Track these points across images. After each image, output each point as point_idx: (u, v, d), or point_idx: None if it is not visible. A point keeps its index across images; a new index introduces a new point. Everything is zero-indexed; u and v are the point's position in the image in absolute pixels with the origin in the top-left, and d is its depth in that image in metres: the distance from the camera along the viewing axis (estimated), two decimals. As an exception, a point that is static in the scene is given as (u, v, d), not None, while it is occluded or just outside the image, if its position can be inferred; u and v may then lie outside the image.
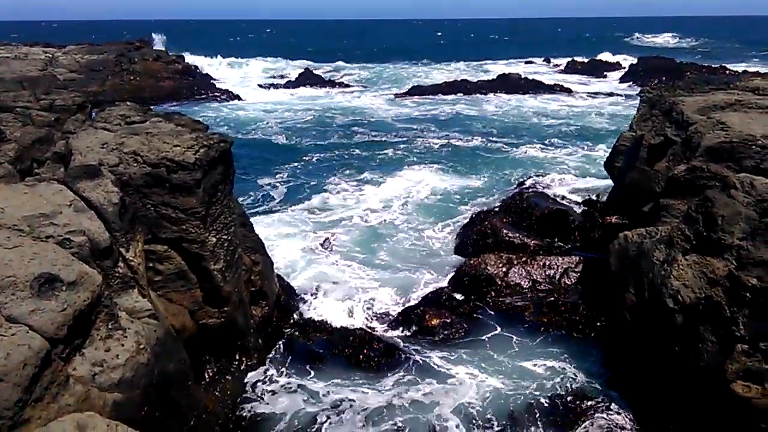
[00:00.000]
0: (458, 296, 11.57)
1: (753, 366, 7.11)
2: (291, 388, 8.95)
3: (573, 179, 18.31)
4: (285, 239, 14.09)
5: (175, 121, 9.62)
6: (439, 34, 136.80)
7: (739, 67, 42.16)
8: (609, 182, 14.79)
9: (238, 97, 38.38)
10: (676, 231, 8.56)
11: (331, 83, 46.23)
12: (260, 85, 43.07)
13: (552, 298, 11.17)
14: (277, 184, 19.04)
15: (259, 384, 9.01)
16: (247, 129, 28.16)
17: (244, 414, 8.37)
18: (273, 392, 8.84)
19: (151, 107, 11.77)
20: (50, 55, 38.44)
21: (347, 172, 20.06)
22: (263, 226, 14.04)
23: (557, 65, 56.39)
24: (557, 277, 12.01)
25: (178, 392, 7.12)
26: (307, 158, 22.25)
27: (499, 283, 11.82)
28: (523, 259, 12.46)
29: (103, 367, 6.07)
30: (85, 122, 10.31)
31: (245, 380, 9.04)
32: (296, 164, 21.43)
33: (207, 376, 8.69)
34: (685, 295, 7.93)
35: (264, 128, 28.37)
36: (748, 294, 7.23)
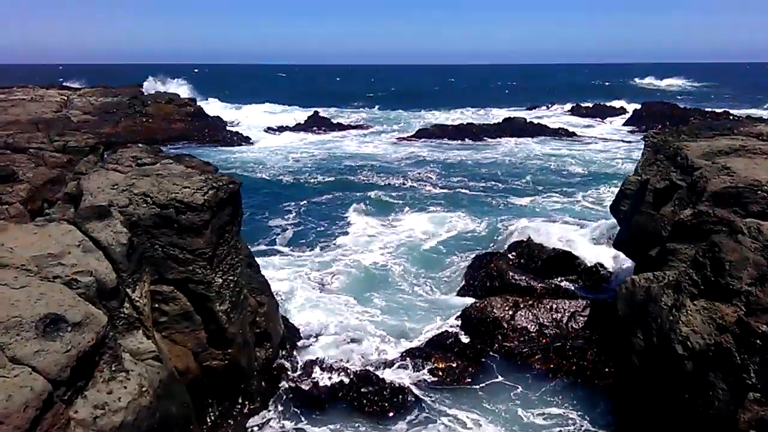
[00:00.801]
0: (464, 339, 11.46)
1: (766, 415, 6.96)
2: (293, 433, 8.82)
3: (578, 222, 18.30)
4: (288, 280, 14.07)
5: (186, 162, 9.77)
6: (452, 80, 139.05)
7: (746, 112, 42.56)
8: (615, 225, 14.78)
9: (247, 140, 38.91)
10: (683, 276, 8.50)
11: (340, 126, 46.88)
12: (270, 128, 43.68)
13: (559, 343, 11.04)
14: (283, 225, 19.15)
15: (260, 429, 8.87)
16: (255, 171, 28.49)
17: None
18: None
19: (162, 149, 11.98)
20: (65, 98, 39.31)
21: (352, 214, 20.16)
22: (270, 268, 14.06)
23: (562, 110, 57.01)
24: (564, 320, 11.90)
25: (180, 436, 7.02)
26: (312, 200, 22.43)
27: (506, 326, 11.71)
28: (530, 302, 12.37)
29: (104, 409, 6.01)
30: (97, 163, 10.49)
31: (247, 425, 8.90)
32: (302, 206, 21.58)
33: (209, 420, 8.58)
34: (695, 342, 7.83)
35: (271, 170, 28.69)
36: (758, 341, 7.13)
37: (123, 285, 7.01)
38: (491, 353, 10.99)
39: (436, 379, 10.22)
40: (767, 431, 6.90)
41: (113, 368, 6.39)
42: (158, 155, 10.09)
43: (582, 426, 8.92)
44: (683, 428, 7.84)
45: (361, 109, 60.23)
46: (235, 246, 9.18)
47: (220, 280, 8.57)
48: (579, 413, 9.22)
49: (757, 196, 8.92)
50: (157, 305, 8.08)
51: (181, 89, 52.21)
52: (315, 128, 44.75)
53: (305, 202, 22.17)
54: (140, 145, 10.62)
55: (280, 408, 9.38)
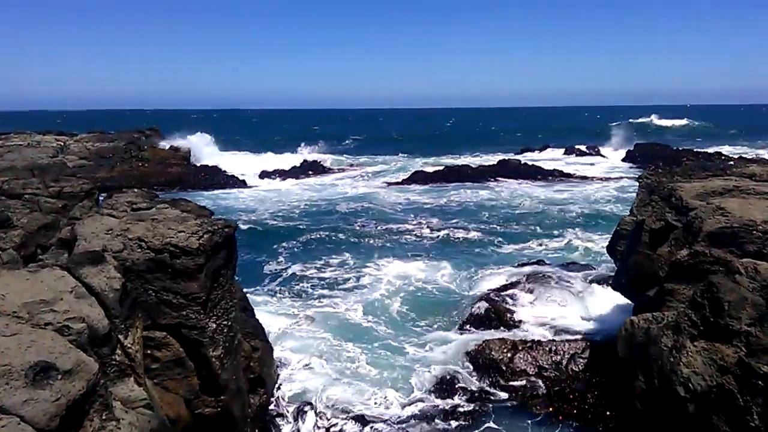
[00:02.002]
0: (465, 383, 11.31)
1: (772, 459, 6.81)
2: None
3: (575, 262, 18.27)
4: (282, 323, 13.92)
5: (181, 207, 9.77)
6: (449, 123, 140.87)
7: (741, 150, 43.12)
8: (612, 266, 14.76)
9: (243, 184, 39.09)
10: (682, 316, 8.44)
11: (336, 170, 47.23)
12: (265, 172, 43.91)
13: (558, 387, 10.88)
14: (277, 269, 19.01)
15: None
16: (250, 214, 28.50)
17: None
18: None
19: (158, 194, 11.99)
20: (62, 143, 39.66)
21: (345, 257, 20.08)
22: (263, 311, 13.90)
23: (557, 152, 57.54)
24: (564, 363, 11.75)
25: (171, 488, 6.81)
26: (306, 244, 22.35)
27: (504, 369, 11.57)
28: (528, 344, 12.24)
29: (94, 460, 5.85)
30: (92, 208, 10.46)
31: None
32: (297, 250, 21.51)
33: (201, 470, 8.32)
34: (696, 383, 7.72)
35: (266, 214, 28.70)
36: (760, 382, 7.03)
37: (115, 331, 6.89)
38: (491, 396, 10.82)
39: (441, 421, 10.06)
40: (774, 476, 6.75)
41: (104, 417, 6.22)
42: (154, 200, 10.10)
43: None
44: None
45: (355, 155, 60.70)
46: (230, 290, 9.10)
47: (214, 325, 8.46)
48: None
49: (752, 236, 8.95)
50: (149, 351, 7.94)
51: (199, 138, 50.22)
52: (311, 172, 45.05)
53: (301, 246, 22.11)
54: (136, 189, 10.63)
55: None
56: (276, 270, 18.88)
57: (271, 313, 14.46)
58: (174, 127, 55.63)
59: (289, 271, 18.65)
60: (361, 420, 10.10)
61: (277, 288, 17.00)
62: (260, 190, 37.52)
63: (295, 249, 21.62)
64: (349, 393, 10.93)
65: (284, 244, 22.23)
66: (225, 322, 8.73)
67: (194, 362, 8.44)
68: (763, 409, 6.97)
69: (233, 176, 40.36)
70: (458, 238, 23.14)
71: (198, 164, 42.39)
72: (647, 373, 8.67)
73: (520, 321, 13.81)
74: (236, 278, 9.91)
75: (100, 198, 11.70)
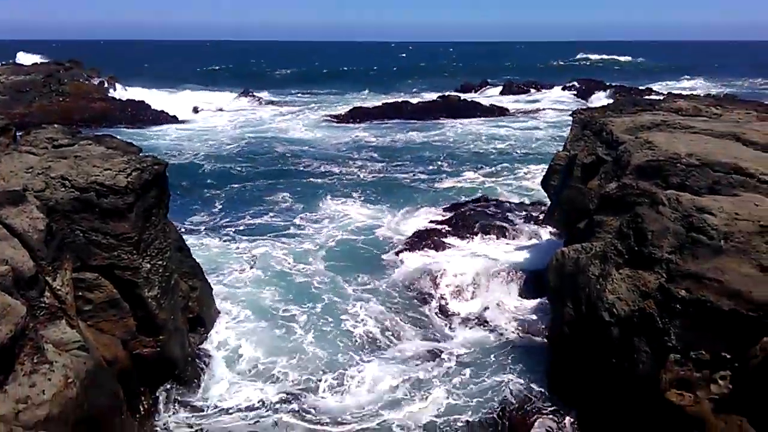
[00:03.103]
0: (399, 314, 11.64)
1: (685, 375, 7.38)
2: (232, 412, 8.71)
3: (512, 197, 18.73)
4: (220, 264, 13.65)
5: (106, 143, 9.29)
6: (404, 55, 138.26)
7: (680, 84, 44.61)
8: (547, 201, 15.24)
9: (174, 119, 37.44)
10: (609, 246, 8.85)
11: (272, 103, 45.94)
12: (196, 109, 42.11)
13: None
14: (213, 208, 18.53)
15: (196, 415, 8.64)
16: (181, 153, 27.43)
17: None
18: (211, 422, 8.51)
19: (81, 130, 11.34)
20: (-28, 77, 36.68)
21: (283, 200, 19.58)
22: (200, 252, 13.59)
23: (495, 89, 57.73)
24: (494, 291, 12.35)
25: (110, 427, 6.76)
26: (238, 184, 21.63)
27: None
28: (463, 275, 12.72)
29: (27, 404, 5.73)
30: (9, 146, 9.79)
31: (182, 412, 8.66)
32: (228, 189, 20.87)
33: (141, 409, 8.30)
34: (620, 308, 8.19)
35: (198, 152, 27.59)
36: (678, 305, 7.52)
37: (42, 274, 6.62)
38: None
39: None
40: (687, 390, 7.33)
41: (35, 360, 6.06)
42: (76, 136, 9.54)
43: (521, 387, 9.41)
44: (611, 390, 8.22)
45: (293, 90, 59.02)
46: (163, 230, 8.85)
47: (148, 266, 8.25)
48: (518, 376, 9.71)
49: (676, 168, 9.35)
50: (80, 293, 7.70)
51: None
52: (247, 108, 43.61)
53: (230, 184, 21.42)
54: (56, 125, 9.99)
55: (216, 393, 9.15)
56: (211, 209, 18.36)
57: (206, 253, 14.16)
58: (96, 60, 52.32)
59: (226, 211, 18.17)
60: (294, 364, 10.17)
61: (212, 233, 16.21)
62: (192, 126, 36.01)
63: (226, 188, 20.93)
64: (280, 337, 10.86)
65: (214, 183, 21.49)
66: (160, 262, 8.53)
67: (129, 303, 8.28)
68: (680, 330, 7.49)
69: (163, 111, 38.45)
70: (399, 177, 23.06)
71: (124, 99, 40.17)
72: (576, 301, 9.12)
73: (456, 254, 14.20)
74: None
75: (18, 135, 10.94)
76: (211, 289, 11.09)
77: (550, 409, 8.88)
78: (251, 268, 13.50)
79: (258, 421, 8.60)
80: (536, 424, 8.59)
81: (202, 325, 10.24)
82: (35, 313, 6.27)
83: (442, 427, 8.60)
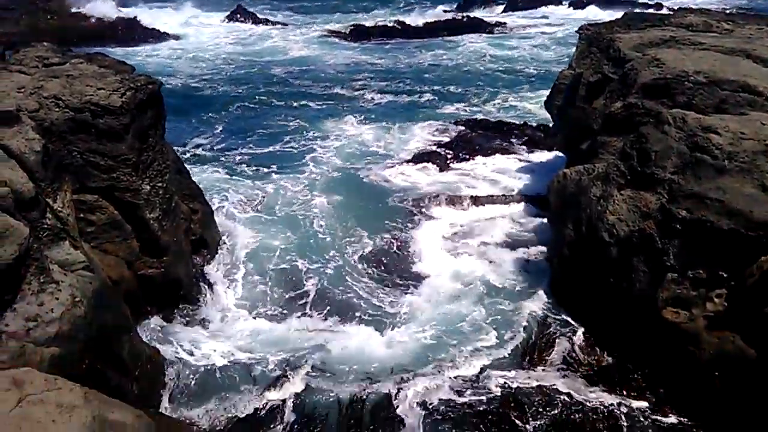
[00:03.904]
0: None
1: (681, 293, 7.53)
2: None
3: (514, 119, 18.45)
4: (220, 188, 13.55)
5: (98, 62, 9.02)
6: None
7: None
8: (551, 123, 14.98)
9: (166, 36, 36.25)
10: (612, 167, 8.79)
11: (268, 21, 44.41)
12: (191, 24, 40.67)
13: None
14: (213, 131, 18.17)
15: (202, 331, 8.88)
16: (176, 72, 26.67)
17: (191, 362, 8.25)
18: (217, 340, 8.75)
19: (71, 48, 10.98)
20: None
21: (279, 120, 19.11)
22: (200, 175, 13.49)
23: (500, 5, 55.47)
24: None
25: (119, 344, 6.95)
26: (236, 106, 21.03)
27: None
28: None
29: (37, 321, 5.86)
30: (-1, 65, 9.52)
31: (189, 329, 8.88)
32: (226, 112, 20.26)
33: (148, 327, 8.51)
34: (620, 229, 8.23)
35: (193, 73, 26.77)
36: (678, 225, 7.56)
37: (42, 195, 6.59)
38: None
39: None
40: (683, 308, 7.50)
41: (42, 280, 6.15)
42: (66, 54, 9.25)
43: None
44: (608, 309, 8.41)
45: (290, 4, 56.75)
46: (161, 151, 8.75)
47: (148, 187, 8.21)
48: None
49: (684, 86, 9.13)
50: (82, 215, 7.70)
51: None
52: (240, 20, 42.02)
53: (234, 107, 20.94)
54: (45, 43, 9.66)
55: (221, 312, 9.36)
56: (209, 138, 17.57)
57: (206, 175, 14.08)
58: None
59: (224, 140, 17.47)
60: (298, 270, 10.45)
61: (211, 159, 15.85)
62: (184, 45, 34.80)
63: (230, 110, 20.48)
64: (282, 259, 11.01)
65: (215, 108, 20.73)
66: (159, 184, 8.49)
67: (132, 225, 8.31)
68: (678, 250, 7.57)
69: (154, 29, 37.11)
70: (402, 98, 22.44)
71: (114, 17, 38.73)
72: (576, 222, 9.16)
73: (456, 175, 14.16)
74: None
75: (6, 54, 10.62)
76: (212, 212, 11.11)
77: (558, 324, 9.05)
78: (255, 194, 13.35)
79: (265, 337, 8.86)
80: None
81: (205, 247, 10.33)
82: (38, 234, 6.29)
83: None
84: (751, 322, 6.98)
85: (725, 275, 7.32)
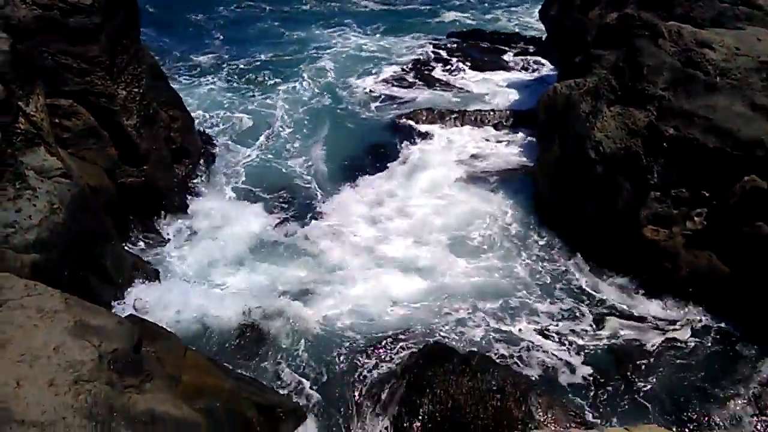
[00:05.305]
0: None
1: (662, 211, 7.59)
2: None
3: (509, 30, 17.85)
4: (207, 97, 13.19)
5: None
6: None
7: None
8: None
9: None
10: (603, 82, 8.58)
11: None
12: None
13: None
14: (212, 33, 17.44)
15: (182, 240, 8.88)
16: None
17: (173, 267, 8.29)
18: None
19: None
20: None
21: (266, 26, 18.45)
22: (181, 82, 13.06)
23: None
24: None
25: (102, 252, 6.93)
26: (221, 10, 20.16)
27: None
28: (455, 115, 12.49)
29: (15, 228, 5.79)
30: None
31: (170, 236, 8.86)
32: (210, 16, 19.45)
33: (131, 236, 8.48)
34: (607, 146, 8.15)
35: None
36: (664, 143, 7.51)
37: (14, 98, 6.33)
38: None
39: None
40: (663, 226, 7.58)
41: (18, 186, 6.02)
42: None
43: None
44: (590, 225, 8.45)
45: None
46: (136, 55, 8.38)
47: (124, 93, 7.92)
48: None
49: (682, -4, 8.80)
50: (57, 120, 7.45)
51: None
52: None
53: (219, 12, 19.99)
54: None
55: (204, 219, 9.32)
56: (188, 46, 16.66)
57: (189, 82, 13.63)
58: None
59: (212, 53, 16.55)
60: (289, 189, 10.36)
61: (192, 68, 15.16)
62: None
63: (214, 19, 19.41)
64: (272, 166, 10.96)
65: (196, 11, 19.98)
66: (136, 89, 8.19)
67: (109, 132, 8.06)
68: (663, 169, 7.55)
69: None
70: (398, 7, 21.44)
71: None
72: (563, 139, 9.03)
73: (446, 90, 13.84)
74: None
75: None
76: (193, 120, 10.81)
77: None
78: (241, 109, 13.02)
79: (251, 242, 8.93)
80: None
81: (186, 156, 10.12)
82: (11, 139, 6.09)
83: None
84: (728, 240, 7.09)
85: (707, 194, 7.36)
